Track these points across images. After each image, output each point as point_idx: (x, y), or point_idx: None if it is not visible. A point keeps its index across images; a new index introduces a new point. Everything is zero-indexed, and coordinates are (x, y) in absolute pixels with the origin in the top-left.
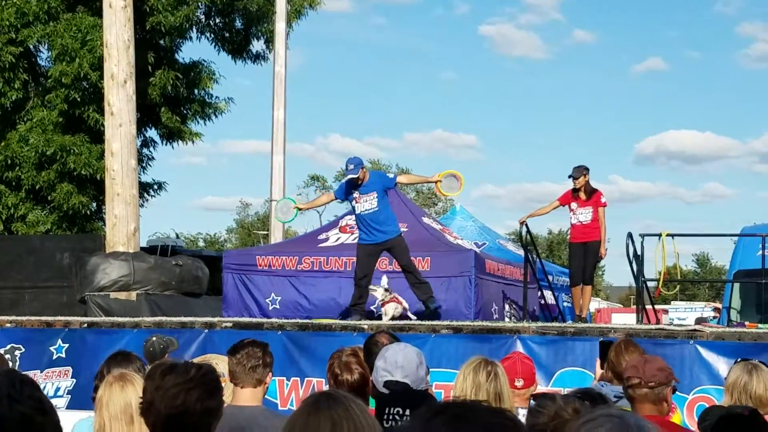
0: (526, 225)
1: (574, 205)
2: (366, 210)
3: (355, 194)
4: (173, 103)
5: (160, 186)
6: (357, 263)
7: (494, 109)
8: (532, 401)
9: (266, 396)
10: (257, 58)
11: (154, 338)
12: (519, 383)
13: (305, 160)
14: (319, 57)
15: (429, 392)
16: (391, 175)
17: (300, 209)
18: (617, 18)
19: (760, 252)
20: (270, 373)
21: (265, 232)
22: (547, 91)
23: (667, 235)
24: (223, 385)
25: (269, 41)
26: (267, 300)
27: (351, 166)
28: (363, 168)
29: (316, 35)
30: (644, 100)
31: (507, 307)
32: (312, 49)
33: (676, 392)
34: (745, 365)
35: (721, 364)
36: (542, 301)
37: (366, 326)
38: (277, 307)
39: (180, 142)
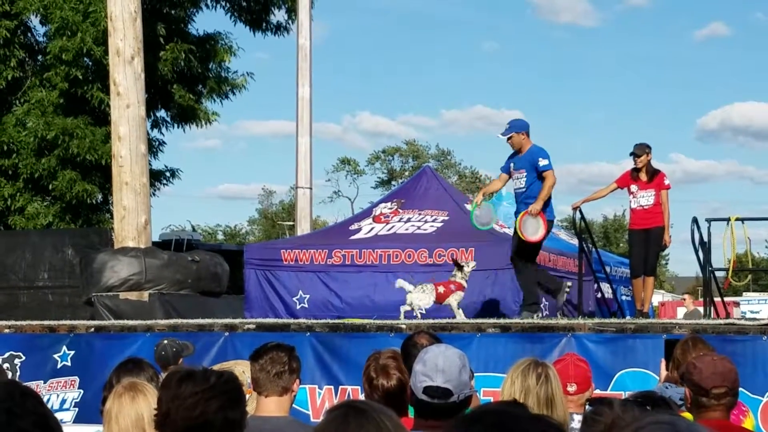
0: (580, 210)
1: (634, 187)
2: (517, 189)
3: (511, 167)
4: (186, 81)
5: (174, 173)
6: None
7: (540, 83)
8: (588, 407)
9: (295, 406)
10: (278, 29)
11: (166, 342)
12: (571, 388)
13: (332, 142)
14: (346, 27)
15: (474, 398)
16: (545, 162)
17: (484, 198)
18: None
19: None
20: (297, 380)
21: (291, 223)
22: (599, 62)
23: (737, 219)
24: (247, 395)
25: (291, 11)
26: (294, 298)
27: (506, 128)
28: (518, 133)
29: (342, 3)
30: (706, 70)
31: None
32: (337, 18)
33: (750, 394)
34: None
35: None
36: (599, 295)
37: (404, 326)
38: (306, 306)
39: (194, 124)
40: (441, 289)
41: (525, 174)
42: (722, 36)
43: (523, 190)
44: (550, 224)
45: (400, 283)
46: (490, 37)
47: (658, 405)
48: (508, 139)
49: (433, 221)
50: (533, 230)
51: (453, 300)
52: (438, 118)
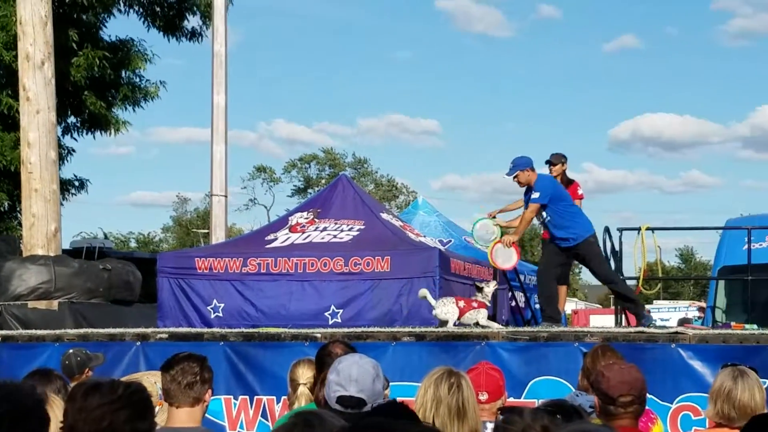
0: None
1: None
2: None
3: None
4: (99, 87)
5: (82, 184)
6: None
7: (456, 92)
8: (500, 415)
9: (211, 417)
10: (193, 35)
11: (71, 351)
12: (483, 397)
13: (247, 150)
14: (260, 33)
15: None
16: (535, 195)
17: (501, 226)
18: None
19: (747, 246)
20: (209, 390)
21: (206, 231)
22: (514, 72)
23: (647, 228)
24: (158, 406)
25: (206, 17)
26: (208, 307)
27: (511, 165)
28: (523, 171)
29: (257, 9)
30: (618, 82)
31: None
32: (252, 25)
33: (659, 401)
34: (732, 371)
35: (706, 370)
36: (513, 304)
37: (320, 335)
38: (220, 315)
39: (105, 131)
40: (462, 303)
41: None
42: (633, 48)
43: (543, 219)
44: (591, 236)
45: (424, 292)
46: (405, 46)
47: (568, 413)
48: (514, 178)
49: (349, 230)
50: (504, 259)
51: (479, 317)
52: (354, 126)
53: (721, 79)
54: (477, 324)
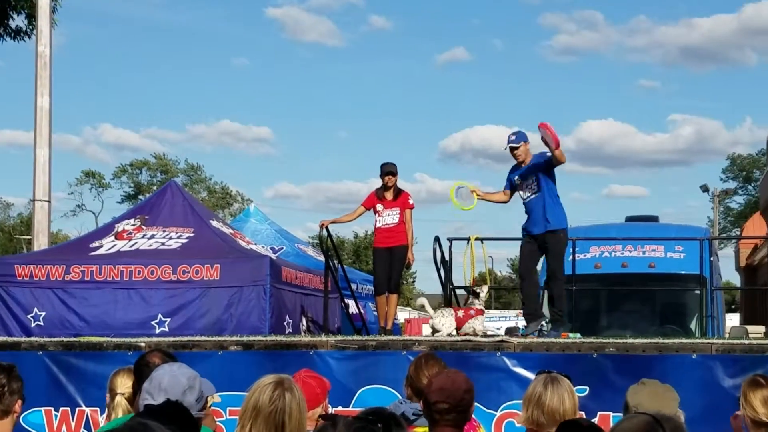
0: (327, 229)
1: (379, 206)
2: (528, 197)
3: (516, 180)
4: None
5: None
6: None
7: (289, 100)
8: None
9: (32, 431)
10: (17, 34)
11: None
12: None
13: (73, 154)
14: (86, 36)
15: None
16: (547, 152)
17: (479, 196)
18: (414, 2)
19: (571, 257)
20: (19, 401)
21: (30, 237)
22: (347, 82)
23: (476, 239)
24: None
25: (31, 16)
26: (29, 316)
27: (512, 137)
28: (526, 143)
29: (85, 10)
30: (448, 93)
31: (304, 319)
32: (79, 27)
33: (484, 409)
34: (545, 378)
35: (530, 377)
36: (346, 312)
37: (143, 344)
38: (41, 323)
39: None
40: (460, 313)
41: (535, 179)
42: (463, 61)
43: (536, 192)
44: (564, 233)
45: (422, 302)
46: (239, 52)
47: (387, 421)
48: (514, 150)
49: (178, 238)
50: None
51: (476, 324)
52: (184, 133)
53: (547, 93)
54: (474, 331)
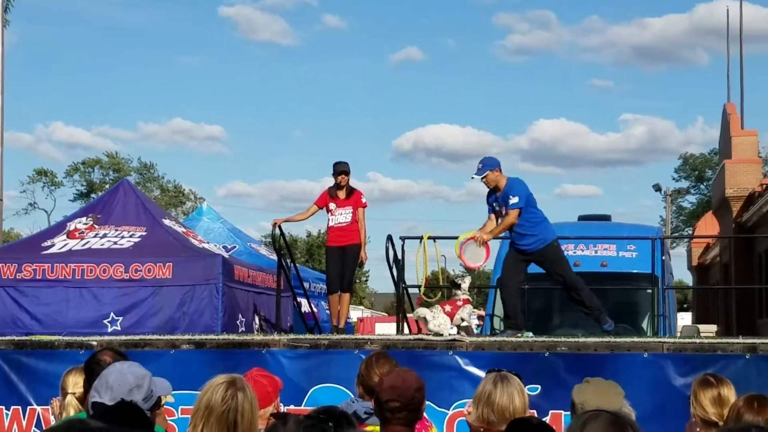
0: (280, 227)
1: (332, 205)
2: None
3: (495, 206)
4: None
5: None
6: None
7: (242, 99)
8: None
9: None
10: None
11: None
12: None
13: (24, 152)
14: (35, 34)
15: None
16: (514, 200)
17: (486, 241)
18: (367, 2)
19: None
20: None
21: None
22: (300, 81)
23: (429, 237)
24: None
25: None
26: None
27: (478, 166)
28: (492, 171)
29: (37, 10)
30: (402, 92)
31: (257, 318)
32: (32, 25)
33: (436, 407)
34: (494, 376)
35: (482, 376)
36: (298, 311)
37: (95, 343)
38: None
39: None
40: (448, 308)
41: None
42: (416, 60)
43: (518, 224)
44: (555, 241)
45: (422, 312)
46: (190, 50)
47: (338, 420)
48: (483, 178)
49: (131, 236)
50: (472, 257)
51: (464, 314)
52: (136, 131)
53: (500, 93)
54: (462, 323)
